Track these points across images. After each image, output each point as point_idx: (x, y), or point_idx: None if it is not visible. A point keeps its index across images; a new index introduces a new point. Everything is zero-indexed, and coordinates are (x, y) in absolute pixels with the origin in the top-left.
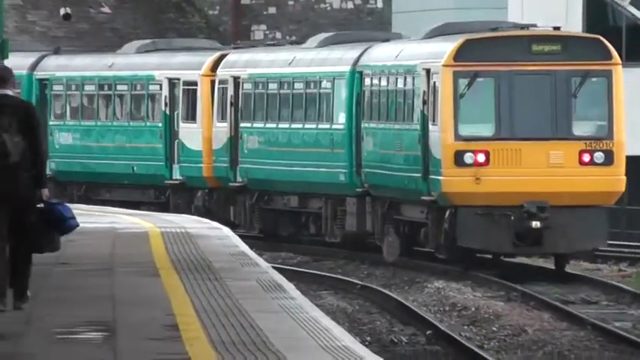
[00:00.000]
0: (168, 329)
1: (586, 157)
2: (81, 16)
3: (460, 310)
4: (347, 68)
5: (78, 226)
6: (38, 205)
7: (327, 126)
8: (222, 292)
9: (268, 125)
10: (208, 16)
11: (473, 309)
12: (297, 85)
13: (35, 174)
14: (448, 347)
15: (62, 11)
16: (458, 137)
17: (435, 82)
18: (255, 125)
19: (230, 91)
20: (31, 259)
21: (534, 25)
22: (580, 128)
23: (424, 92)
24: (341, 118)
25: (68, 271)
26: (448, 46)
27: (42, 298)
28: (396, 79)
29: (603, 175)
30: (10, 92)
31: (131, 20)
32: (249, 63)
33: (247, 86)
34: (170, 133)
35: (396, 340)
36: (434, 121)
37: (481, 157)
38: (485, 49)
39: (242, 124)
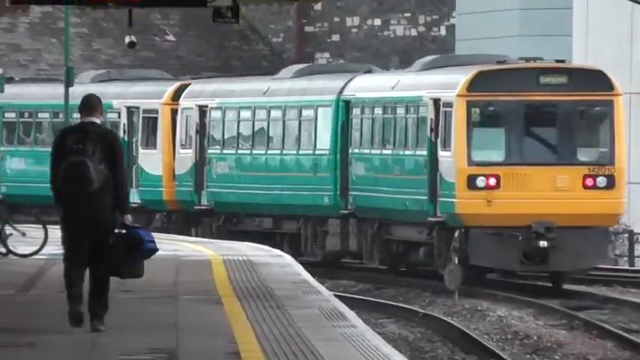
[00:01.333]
0: (230, 357)
1: (589, 182)
2: (146, 44)
3: (522, 338)
4: (332, 97)
5: (157, 250)
6: (120, 231)
7: (310, 152)
8: (283, 320)
9: (241, 151)
10: (272, 43)
11: (535, 337)
12: (273, 113)
13: (116, 200)
14: None
15: (127, 39)
16: (471, 162)
17: (446, 111)
18: (225, 151)
19: (195, 119)
20: (108, 282)
21: (540, 58)
22: (584, 154)
23: (432, 120)
24: (325, 144)
25: (132, 299)
26: (461, 78)
27: (106, 324)
28: (395, 108)
29: (605, 198)
30: (97, 120)
31: (196, 48)
32: (217, 93)
33: (216, 114)
34: (128, 159)
35: None
36: (445, 147)
37: (492, 181)
38: (497, 80)
39: (210, 150)
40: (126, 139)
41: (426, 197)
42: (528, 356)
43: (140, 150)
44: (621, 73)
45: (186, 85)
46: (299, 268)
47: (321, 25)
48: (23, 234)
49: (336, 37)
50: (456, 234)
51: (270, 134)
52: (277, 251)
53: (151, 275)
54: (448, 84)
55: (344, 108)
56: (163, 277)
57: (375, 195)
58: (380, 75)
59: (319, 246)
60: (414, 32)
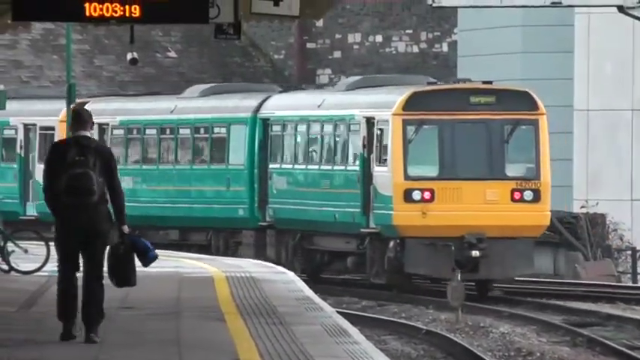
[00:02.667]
0: None
1: (517, 195)
2: (147, 61)
3: (525, 355)
4: (246, 115)
5: (157, 257)
6: (118, 241)
7: (223, 167)
8: (287, 337)
9: (145, 166)
10: (274, 60)
11: (538, 354)
12: (182, 131)
13: (113, 211)
14: None
15: (129, 56)
16: (407, 177)
17: (381, 129)
18: (128, 167)
19: (94, 136)
20: (103, 290)
21: (469, 79)
22: (512, 170)
23: (364, 138)
24: (239, 160)
25: (133, 315)
26: (396, 98)
27: (108, 342)
28: (322, 126)
29: (532, 210)
30: (89, 134)
31: (197, 64)
32: (119, 111)
33: (118, 132)
34: (25, 174)
35: None
36: (380, 163)
37: (427, 195)
38: (430, 100)
39: None
40: (22, 154)
41: (358, 210)
42: None
43: (37, 165)
44: (623, 90)
45: (84, 104)
46: (302, 285)
47: (322, 42)
48: (25, 251)
49: (337, 54)
50: (391, 244)
51: (179, 150)
52: (280, 268)
53: (153, 292)
54: (383, 103)
55: (261, 125)
56: (166, 293)
57: (299, 208)
58: (299, 94)
59: (231, 256)
60: (415, 49)
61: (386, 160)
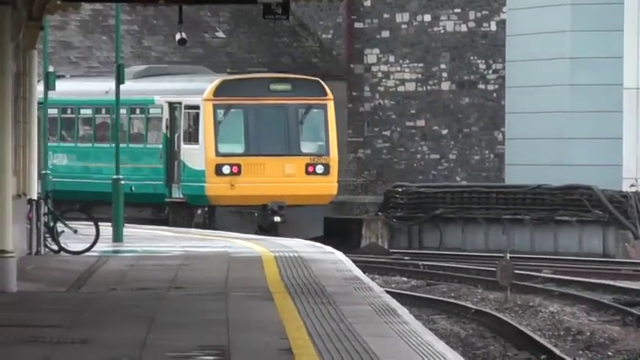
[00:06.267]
0: (282, 353)
1: (310, 169)
2: (196, 41)
3: (575, 334)
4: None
5: None
6: None
7: None
8: (335, 317)
9: None
10: (322, 39)
11: (588, 333)
12: None
13: None
14: None
15: (177, 36)
16: (217, 154)
17: (189, 113)
18: None
19: None
20: None
21: (265, 70)
22: (306, 147)
23: (167, 120)
24: None
25: (183, 295)
26: (206, 85)
27: (157, 321)
28: (112, 109)
29: (323, 182)
30: None
31: (246, 45)
32: None
33: None
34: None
35: None
36: (190, 141)
37: (235, 169)
38: (237, 87)
39: None
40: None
41: (161, 182)
42: (581, 352)
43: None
44: None
45: None
46: (350, 265)
47: (370, 22)
48: (75, 231)
49: (385, 34)
50: (199, 212)
51: None
52: (329, 248)
53: (202, 272)
54: (192, 90)
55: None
56: (214, 274)
57: (82, 181)
58: (71, 81)
59: None
60: (464, 28)
61: (197, 139)
